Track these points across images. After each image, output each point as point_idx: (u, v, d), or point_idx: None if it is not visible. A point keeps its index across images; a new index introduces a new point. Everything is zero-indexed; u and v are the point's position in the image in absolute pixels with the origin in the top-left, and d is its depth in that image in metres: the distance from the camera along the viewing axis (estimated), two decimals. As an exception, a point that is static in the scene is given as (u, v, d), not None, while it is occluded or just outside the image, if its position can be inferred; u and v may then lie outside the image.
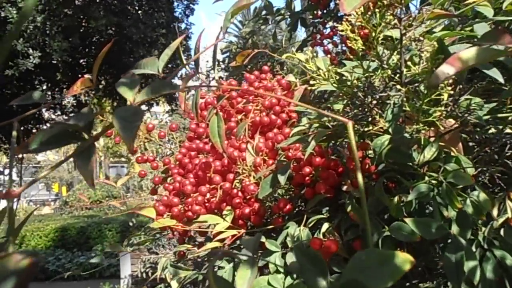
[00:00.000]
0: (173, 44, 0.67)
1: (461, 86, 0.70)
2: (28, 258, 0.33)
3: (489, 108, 0.71)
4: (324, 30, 1.56)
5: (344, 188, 0.77)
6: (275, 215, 0.88)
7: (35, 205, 17.58)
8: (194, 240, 1.04)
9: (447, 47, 0.64)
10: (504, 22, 0.79)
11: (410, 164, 0.67)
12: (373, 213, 0.70)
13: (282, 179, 0.76)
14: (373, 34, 0.68)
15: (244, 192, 0.85)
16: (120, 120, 0.37)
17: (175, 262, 0.97)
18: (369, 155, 0.79)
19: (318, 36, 1.50)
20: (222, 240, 0.82)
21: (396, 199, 0.67)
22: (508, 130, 0.73)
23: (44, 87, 6.47)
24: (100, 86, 6.51)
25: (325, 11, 1.57)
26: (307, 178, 0.81)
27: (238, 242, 0.85)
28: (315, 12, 1.60)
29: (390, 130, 0.65)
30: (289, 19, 1.76)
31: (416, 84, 0.70)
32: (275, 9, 1.76)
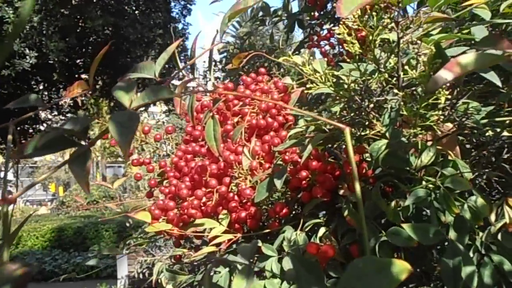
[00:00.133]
0: (169, 48, 0.67)
1: (458, 90, 0.70)
2: (21, 268, 0.33)
3: (486, 112, 0.70)
4: (321, 32, 1.56)
5: (341, 192, 0.76)
6: (271, 219, 0.87)
7: (32, 205, 17.55)
8: (191, 242, 1.04)
9: (444, 52, 0.63)
10: (501, 25, 0.78)
11: (407, 168, 0.67)
12: (370, 218, 0.70)
13: (278, 183, 0.75)
14: (370, 37, 0.68)
15: (240, 196, 0.84)
16: (116, 125, 0.37)
17: (171, 266, 0.96)
18: (366, 159, 0.78)
19: (315, 38, 1.49)
20: (218, 244, 0.82)
21: (393, 203, 0.66)
22: (505, 133, 0.73)
23: (41, 87, 6.46)
24: (97, 87, 6.50)
25: (322, 12, 1.57)
26: (303, 181, 0.81)
27: (234, 246, 0.85)
28: (312, 13, 1.59)
29: (387, 134, 0.65)
30: (286, 20, 1.75)
31: (413, 88, 0.70)
32: (272, 10, 1.76)
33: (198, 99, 0.98)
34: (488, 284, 0.62)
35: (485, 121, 0.71)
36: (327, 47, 1.47)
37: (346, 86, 0.74)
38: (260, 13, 1.82)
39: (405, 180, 0.71)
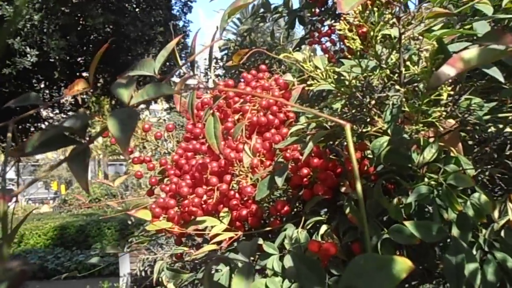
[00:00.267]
0: (169, 45, 0.66)
1: (460, 85, 0.69)
2: (19, 267, 0.32)
3: (489, 108, 0.70)
4: (322, 28, 1.55)
5: (343, 189, 0.76)
6: (272, 216, 0.87)
7: (34, 203, 17.59)
8: (193, 239, 1.03)
9: (446, 47, 0.63)
10: (503, 20, 0.78)
11: (410, 165, 0.66)
12: (372, 216, 0.69)
13: (279, 180, 0.75)
14: (371, 33, 0.67)
15: (241, 193, 0.84)
16: (115, 123, 0.36)
17: (172, 265, 0.96)
18: (368, 156, 0.78)
19: (316, 34, 1.49)
20: (219, 243, 0.81)
21: (395, 201, 0.66)
22: (508, 129, 0.72)
23: (42, 86, 6.46)
24: (98, 85, 6.50)
25: (323, 8, 1.56)
26: (305, 179, 0.80)
27: (235, 244, 0.84)
28: (313, 10, 1.58)
29: (389, 131, 0.64)
30: (287, 17, 1.74)
31: (415, 84, 0.69)
32: (272, 6, 1.75)
33: (198, 96, 0.98)
34: (491, 281, 0.61)
35: (487, 117, 0.70)
36: (328, 44, 1.47)
37: (347, 83, 0.73)
38: (261, 10, 1.82)
39: (407, 177, 0.70)
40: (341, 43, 1.41)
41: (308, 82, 0.77)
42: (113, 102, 6.97)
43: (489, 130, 0.75)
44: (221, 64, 4.63)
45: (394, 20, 0.66)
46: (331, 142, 0.84)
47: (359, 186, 0.35)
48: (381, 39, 0.70)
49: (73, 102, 6.81)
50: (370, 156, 0.77)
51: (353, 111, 0.78)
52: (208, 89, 0.99)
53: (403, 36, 0.67)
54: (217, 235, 0.81)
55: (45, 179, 18.38)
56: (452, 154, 0.69)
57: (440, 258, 0.79)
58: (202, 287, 0.91)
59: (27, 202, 17.44)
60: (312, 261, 0.40)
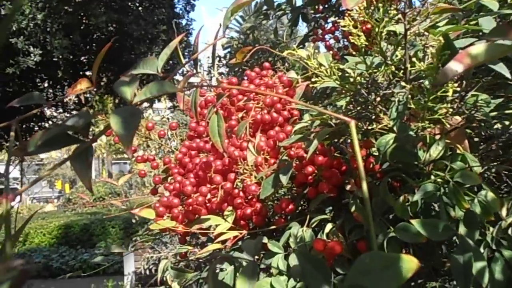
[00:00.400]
0: (172, 43, 0.66)
1: (465, 82, 0.68)
2: (20, 266, 0.32)
3: (495, 104, 0.69)
4: (326, 25, 1.54)
5: (348, 187, 0.75)
6: (277, 215, 0.86)
7: (39, 202, 17.65)
8: (197, 238, 1.03)
9: (453, 43, 0.62)
10: (509, 16, 0.77)
11: (416, 163, 0.65)
12: (378, 214, 0.69)
13: (284, 179, 0.74)
14: (376, 29, 0.67)
15: (245, 192, 0.83)
16: (118, 121, 0.36)
17: (176, 264, 0.96)
18: (373, 154, 0.77)
19: (320, 31, 1.48)
20: (223, 242, 0.81)
21: (401, 199, 0.65)
22: (514, 126, 0.72)
23: (46, 85, 6.46)
24: (102, 83, 6.49)
25: (326, 5, 1.55)
26: (309, 177, 0.80)
27: (240, 243, 0.84)
28: (317, 6, 1.58)
29: (395, 128, 0.63)
30: (290, 14, 1.74)
31: (421, 81, 0.69)
32: (276, 4, 1.74)
33: (201, 94, 0.97)
34: (499, 279, 0.60)
35: (494, 113, 0.69)
36: (332, 41, 1.46)
37: (352, 80, 0.72)
38: (264, 7, 1.81)
39: (413, 174, 0.70)
40: (345, 40, 1.40)
41: (313, 79, 0.77)
42: (117, 100, 6.97)
43: (495, 126, 0.74)
44: (224, 62, 4.62)
45: (400, 16, 0.65)
46: (335, 140, 0.84)
47: (365, 185, 0.34)
48: (386, 36, 0.70)
49: (76, 101, 6.81)
50: (375, 153, 0.76)
51: (358, 108, 0.77)
52: (212, 87, 0.99)
53: (408, 32, 0.66)
54: (221, 234, 0.80)
55: (50, 178, 18.44)
56: (458, 151, 0.68)
57: (446, 256, 0.78)
58: (206, 286, 0.91)
59: (31, 201, 17.50)
60: (317, 260, 0.39)
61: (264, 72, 0.98)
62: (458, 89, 0.62)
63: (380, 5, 0.65)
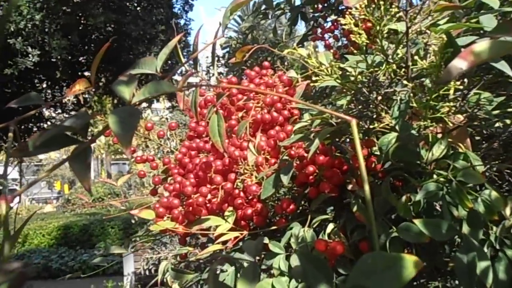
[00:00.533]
0: (171, 42, 0.65)
1: (468, 80, 0.68)
2: (18, 268, 0.32)
3: (497, 103, 0.68)
4: (325, 24, 1.54)
5: (349, 187, 0.74)
6: (278, 215, 0.85)
7: (38, 203, 17.63)
8: (197, 238, 1.02)
9: (455, 41, 0.61)
10: (510, 13, 0.76)
11: (418, 162, 0.65)
12: (380, 213, 0.68)
13: (285, 179, 0.74)
14: (377, 27, 0.66)
15: (246, 192, 0.83)
16: (116, 122, 0.35)
17: (176, 265, 0.95)
18: (375, 153, 0.76)
19: (319, 30, 1.47)
20: (224, 242, 0.80)
21: (404, 198, 0.64)
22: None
23: (44, 86, 6.46)
24: (100, 84, 6.49)
25: (325, 4, 1.54)
26: (310, 177, 0.79)
27: (241, 243, 0.83)
28: (316, 6, 1.57)
29: (397, 127, 0.63)
30: (289, 14, 1.73)
31: (423, 79, 0.68)
32: (274, 3, 1.74)
33: (201, 94, 0.97)
34: (502, 279, 0.60)
35: (496, 112, 0.69)
36: (331, 40, 1.45)
37: (353, 78, 0.72)
38: (263, 7, 1.80)
39: (415, 174, 0.69)
40: (345, 39, 1.39)
41: (313, 79, 0.76)
42: (115, 101, 6.96)
43: (496, 125, 0.74)
44: (222, 62, 4.62)
45: (401, 14, 0.64)
46: (336, 139, 0.83)
47: (366, 185, 0.33)
48: (386, 34, 0.69)
49: (75, 102, 6.81)
50: (377, 153, 0.75)
51: (359, 107, 0.77)
52: (211, 87, 0.98)
53: (410, 30, 0.65)
54: (222, 234, 0.80)
55: (49, 179, 18.43)
56: (460, 150, 0.68)
57: (448, 255, 0.77)
58: (207, 287, 0.90)
59: (30, 202, 17.48)
60: (319, 260, 0.39)
61: (264, 71, 0.97)
62: (461, 87, 0.61)
63: (381, 2, 0.64)
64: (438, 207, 0.69)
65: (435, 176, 0.64)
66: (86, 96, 6.70)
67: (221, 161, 0.86)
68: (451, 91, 0.61)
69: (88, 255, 6.91)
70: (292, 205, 0.80)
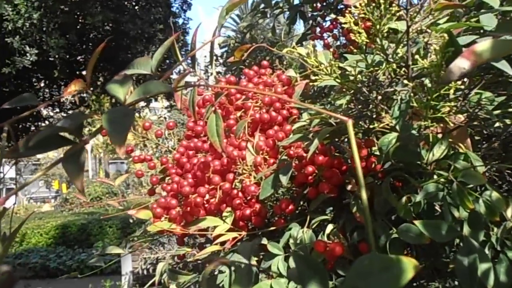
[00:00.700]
0: (166, 42, 0.64)
1: (467, 80, 0.67)
2: (6, 271, 0.31)
3: (497, 102, 0.68)
4: (324, 23, 1.53)
5: (349, 187, 0.74)
6: (277, 216, 0.85)
7: (36, 202, 17.61)
8: (195, 238, 1.01)
9: (457, 40, 0.60)
10: (510, 12, 0.76)
11: (419, 162, 0.64)
12: (380, 214, 0.67)
13: (284, 179, 0.73)
14: (377, 26, 0.65)
15: (244, 192, 0.82)
16: (110, 122, 0.35)
17: (174, 266, 0.94)
18: (375, 153, 0.76)
19: (318, 30, 1.47)
20: (222, 243, 0.80)
21: (404, 199, 0.64)
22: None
23: (42, 85, 6.44)
24: (98, 83, 6.47)
25: (324, 3, 1.54)
26: (310, 177, 0.78)
27: (239, 244, 0.83)
28: (315, 4, 1.56)
29: (397, 127, 0.62)
30: (287, 12, 1.72)
31: (423, 79, 0.67)
32: (273, 2, 1.73)
33: (199, 93, 0.96)
34: (503, 281, 0.59)
35: (497, 112, 0.68)
36: (330, 39, 1.45)
37: (352, 78, 0.71)
38: (261, 6, 1.79)
39: (416, 174, 0.68)
40: (344, 38, 1.39)
41: (312, 78, 0.75)
42: (114, 100, 6.94)
43: (495, 125, 0.73)
44: (221, 61, 4.61)
45: (401, 12, 0.64)
46: (336, 139, 0.83)
47: (363, 190, 0.33)
48: (386, 33, 0.68)
49: (73, 101, 6.79)
50: (377, 153, 0.75)
51: (359, 106, 0.76)
52: (210, 86, 0.97)
53: (410, 29, 0.65)
54: (220, 235, 0.79)
55: (46, 178, 18.39)
56: (461, 150, 0.67)
57: (448, 256, 0.77)
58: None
59: (28, 201, 17.45)
60: (315, 263, 0.38)
61: (263, 70, 0.96)
62: (462, 87, 0.60)
63: (381, 1, 0.63)
64: (438, 208, 0.69)
65: (435, 177, 0.63)
66: (84, 95, 6.68)
67: (219, 161, 0.85)
68: (452, 91, 0.61)
69: (86, 254, 6.90)
70: (291, 205, 0.79)
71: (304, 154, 0.77)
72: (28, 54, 5.18)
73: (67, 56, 5.67)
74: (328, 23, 1.48)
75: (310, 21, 1.64)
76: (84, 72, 6.06)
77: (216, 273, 0.80)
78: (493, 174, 0.79)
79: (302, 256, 0.35)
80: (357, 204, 0.69)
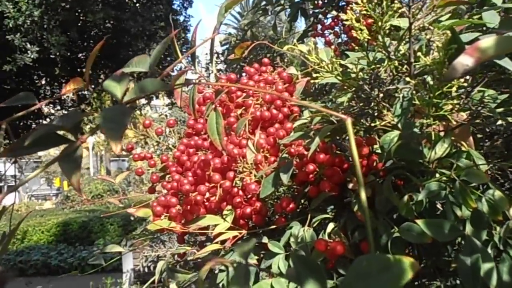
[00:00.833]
0: (165, 40, 0.64)
1: (470, 78, 0.66)
2: None
3: (500, 100, 0.67)
4: (325, 20, 1.52)
5: (350, 186, 0.73)
6: (277, 214, 0.84)
7: (37, 200, 17.64)
8: (195, 235, 1.01)
9: (459, 37, 0.60)
10: (512, 9, 0.75)
11: (421, 161, 0.63)
12: (382, 213, 0.67)
13: (285, 177, 0.72)
14: (379, 23, 0.64)
15: (245, 191, 0.81)
16: (106, 121, 0.34)
17: (174, 264, 0.94)
18: (376, 151, 0.75)
19: (319, 27, 1.46)
20: (223, 242, 0.79)
21: (406, 198, 0.63)
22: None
23: (43, 82, 6.44)
24: (99, 80, 6.47)
25: (326, 0, 1.53)
26: (311, 175, 0.78)
27: (240, 242, 0.82)
28: (316, 2, 1.56)
29: (399, 125, 0.61)
30: (289, 10, 1.71)
31: (425, 76, 0.67)
32: (274, -1, 1.72)
33: (200, 91, 0.95)
34: (506, 281, 0.59)
35: (500, 109, 0.68)
36: (332, 36, 1.44)
37: (354, 75, 0.71)
38: (263, 3, 1.79)
39: (418, 173, 0.68)
40: (345, 35, 1.38)
41: (313, 75, 0.75)
42: (114, 98, 6.93)
43: (498, 123, 0.72)
44: (222, 59, 4.60)
45: (403, 9, 0.63)
46: (337, 137, 0.82)
47: (362, 189, 0.32)
48: (388, 30, 0.68)
49: (74, 99, 6.79)
50: (379, 151, 0.74)
51: (361, 104, 0.76)
52: (210, 84, 0.97)
53: (412, 26, 0.64)
54: (220, 233, 0.78)
55: (48, 176, 18.42)
56: (463, 149, 0.66)
57: (450, 255, 0.76)
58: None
59: (29, 198, 17.48)
60: (313, 264, 0.38)
61: (264, 68, 0.96)
62: (465, 84, 0.60)
63: (383, -2, 0.63)
64: (439, 206, 0.68)
65: (437, 175, 0.62)
66: (86, 92, 6.68)
67: (219, 159, 0.84)
68: (454, 89, 0.60)
69: (87, 252, 6.91)
70: (291, 204, 0.79)
71: (305, 152, 0.77)
72: (29, 52, 5.17)
73: (68, 54, 5.66)
74: (330, 20, 1.47)
75: (311, 18, 1.64)
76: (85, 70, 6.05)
77: (216, 271, 0.79)
78: (495, 172, 0.78)
79: (300, 256, 0.35)
80: (358, 202, 0.68)
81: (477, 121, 0.72)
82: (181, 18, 6.81)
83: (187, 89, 1.03)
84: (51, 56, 5.43)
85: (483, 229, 0.59)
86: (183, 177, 0.88)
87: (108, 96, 7.23)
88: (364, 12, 0.65)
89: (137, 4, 6.18)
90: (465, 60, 0.39)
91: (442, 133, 0.67)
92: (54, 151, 18.45)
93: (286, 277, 0.67)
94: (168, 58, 5.94)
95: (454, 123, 0.66)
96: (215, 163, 0.84)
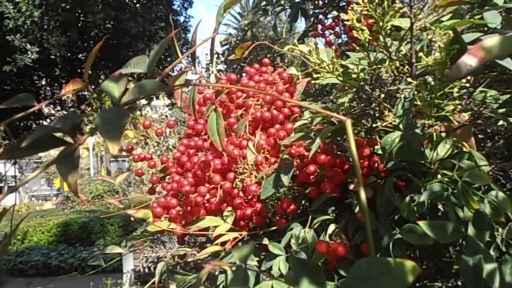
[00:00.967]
0: (163, 41, 0.63)
1: (471, 78, 0.66)
2: None
3: (502, 101, 0.67)
4: (326, 21, 1.52)
5: (351, 187, 0.73)
6: (278, 215, 0.84)
7: (37, 200, 17.64)
8: (196, 237, 1.01)
9: (461, 37, 0.59)
10: (515, 9, 0.75)
11: (422, 162, 0.63)
12: (383, 214, 0.66)
13: (285, 179, 0.72)
14: (380, 23, 0.64)
15: (245, 192, 0.81)
16: (104, 123, 0.34)
17: (175, 265, 0.93)
18: (377, 152, 0.75)
19: (320, 27, 1.46)
20: (223, 243, 0.79)
21: (407, 199, 0.63)
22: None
23: (43, 83, 6.43)
24: (100, 81, 6.46)
25: (326, 0, 1.53)
26: (311, 176, 0.77)
27: (240, 244, 0.82)
28: (316, 2, 1.55)
29: (400, 126, 0.61)
30: (289, 10, 1.71)
31: (427, 76, 0.66)
32: (274, -1, 1.72)
33: (200, 91, 0.95)
34: (509, 282, 0.58)
35: (502, 110, 0.67)
36: (332, 37, 1.44)
37: (355, 76, 0.70)
38: (263, 3, 1.78)
39: (419, 174, 0.67)
40: (345, 36, 1.38)
41: (314, 76, 0.74)
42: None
43: (499, 123, 0.72)
44: (222, 59, 4.60)
45: (405, 9, 0.63)
46: (338, 138, 0.82)
47: (362, 190, 0.32)
48: (389, 30, 0.67)
49: (74, 99, 6.79)
50: (380, 152, 0.74)
51: (362, 105, 0.75)
52: (210, 84, 0.96)
53: (414, 26, 0.63)
54: (221, 235, 0.78)
55: (48, 176, 18.42)
56: (465, 149, 0.66)
57: (451, 256, 0.76)
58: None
59: (30, 199, 17.48)
60: (312, 266, 0.37)
61: (264, 68, 0.95)
62: (467, 85, 0.59)
63: (384, -2, 0.62)
64: (441, 208, 0.68)
65: (439, 176, 0.62)
66: (86, 93, 6.67)
67: (220, 160, 0.84)
68: (456, 89, 0.60)
69: (88, 252, 6.90)
70: (292, 205, 0.78)
71: (306, 153, 0.76)
72: (29, 52, 5.17)
73: (68, 54, 5.66)
74: (330, 20, 1.47)
75: (312, 19, 1.63)
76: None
77: (216, 273, 0.79)
78: (497, 173, 0.78)
79: (299, 259, 0.35)
80: (359, 203, 0.68)
81: (479, 121, 0.72)
82: (181, 19, 6.80)
83: (187, 90, 1.02)
84: (51, 56, 5.42)
85: (485, 230, 0.59)
86: (183, 178, 0.88)
87: (108, 96, 7.24)
88: (365, 12, 0.64)
89: (137, 5, 6.18)
90: (468, 60, 0.39)
91: (443, 134, 0.66)
92: (54, 152, 18.41)
93: (286, 280, 0.67)
94: (168, 59, 5.94)
95: (456, 123, 0.65)
96: (215, 164, 0.84)
